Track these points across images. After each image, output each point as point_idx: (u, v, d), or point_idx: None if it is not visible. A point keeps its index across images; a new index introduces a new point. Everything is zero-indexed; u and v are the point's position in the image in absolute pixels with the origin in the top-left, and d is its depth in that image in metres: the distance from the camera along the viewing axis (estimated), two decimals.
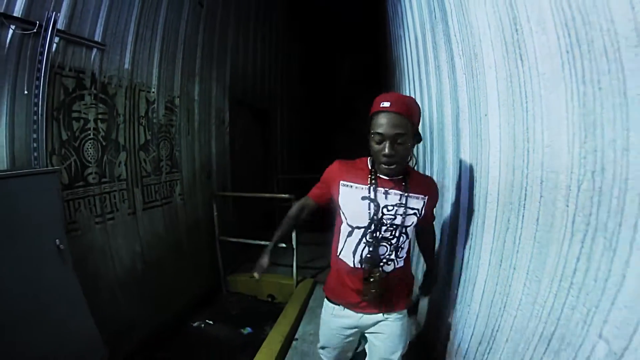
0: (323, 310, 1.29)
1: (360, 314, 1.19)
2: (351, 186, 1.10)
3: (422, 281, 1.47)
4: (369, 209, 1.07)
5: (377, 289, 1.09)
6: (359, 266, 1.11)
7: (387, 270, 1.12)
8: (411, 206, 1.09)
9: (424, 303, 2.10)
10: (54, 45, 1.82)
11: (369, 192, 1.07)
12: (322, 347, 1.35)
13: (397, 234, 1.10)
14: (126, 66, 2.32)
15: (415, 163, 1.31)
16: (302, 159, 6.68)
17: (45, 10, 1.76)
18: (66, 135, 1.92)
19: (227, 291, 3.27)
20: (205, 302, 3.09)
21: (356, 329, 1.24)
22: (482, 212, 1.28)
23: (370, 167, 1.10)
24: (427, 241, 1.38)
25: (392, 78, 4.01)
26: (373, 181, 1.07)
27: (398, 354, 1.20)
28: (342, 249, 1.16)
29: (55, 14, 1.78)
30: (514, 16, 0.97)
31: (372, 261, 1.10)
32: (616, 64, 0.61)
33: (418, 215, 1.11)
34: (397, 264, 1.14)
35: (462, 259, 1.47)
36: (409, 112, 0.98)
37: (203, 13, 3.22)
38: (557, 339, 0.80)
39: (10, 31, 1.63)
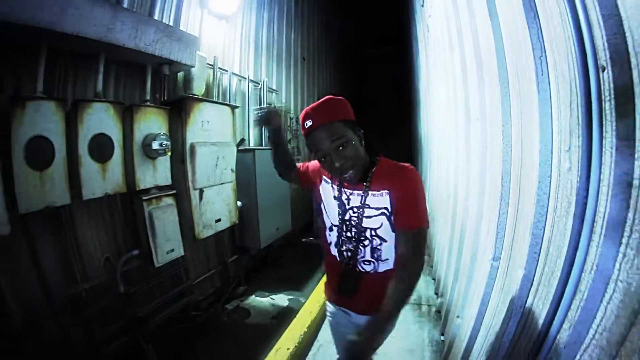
0: (327, 313, 1.21)
1: (351, 313, 1.12)
2: (328, 182, 1.09)
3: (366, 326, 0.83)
4: (339, 209, 1.04)
5: (350, 285, 1.06)
6: (341, 262, 1.08)
7: (366, 269, 1.05)
8: (375, 206, 0.97)
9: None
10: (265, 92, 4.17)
11: (337, 192, 1.05)
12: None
13: (367, 236, 0.99)
14: (284, 100, 4.72)
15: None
16: None
17: (258, 74, 4.06)
18: (265, 133, 4.31)
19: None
20: (308, 228, 5.38)
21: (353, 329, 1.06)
22: None
23: None
24: (399, 272, 0.90)
25: (415, 86, 6.10)
26: (338, 183, 1.05)
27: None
28: (331, 241, 1.12)
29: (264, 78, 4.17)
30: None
31: (348, 259, 1.06)
32: None
33: (387, 214, 0.95)
34: (378, 266, 1.03)
35: None
36: (333, 116, 0.92)
37: (305, 64, 5.61)
38: None
39: (249, 85, 3.92)
